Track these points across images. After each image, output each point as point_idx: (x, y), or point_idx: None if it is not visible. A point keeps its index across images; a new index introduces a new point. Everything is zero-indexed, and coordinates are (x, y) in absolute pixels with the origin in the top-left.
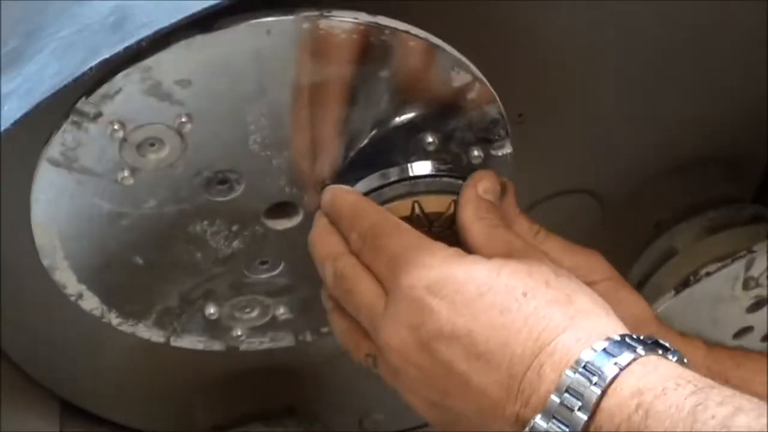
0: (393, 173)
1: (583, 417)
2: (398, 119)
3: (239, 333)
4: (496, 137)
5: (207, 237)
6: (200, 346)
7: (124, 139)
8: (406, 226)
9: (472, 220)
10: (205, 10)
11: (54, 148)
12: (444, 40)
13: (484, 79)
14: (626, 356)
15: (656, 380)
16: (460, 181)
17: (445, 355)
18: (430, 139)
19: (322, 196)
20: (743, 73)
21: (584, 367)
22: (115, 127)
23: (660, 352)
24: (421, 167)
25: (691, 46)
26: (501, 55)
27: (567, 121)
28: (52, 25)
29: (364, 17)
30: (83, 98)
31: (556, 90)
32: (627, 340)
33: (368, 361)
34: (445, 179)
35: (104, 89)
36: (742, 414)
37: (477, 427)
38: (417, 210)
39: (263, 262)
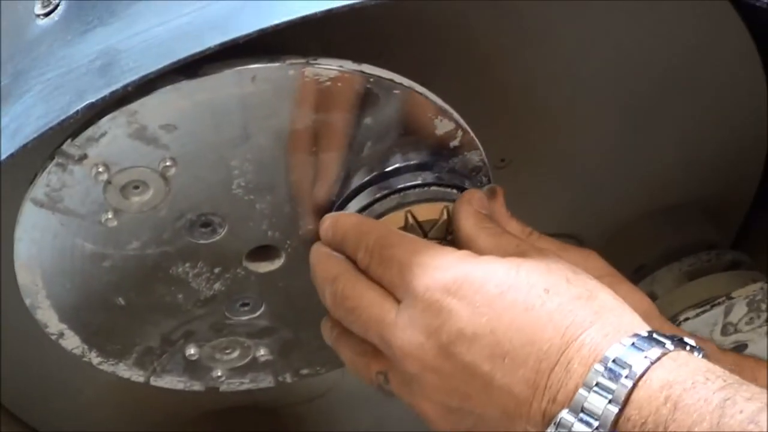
0: (380, 188)
1: (614, 410)
2: (382, 165)
3: (219, 374)
4: (479, 184)
5: (189, 279)
6: (180, 386)
7: (108, 182)
8: (412, 235)
9: (477, 230)
10: (191, 56)
11: (38, 189)
12: (428, 87)
13: (467, 127)
14: (656, 351)
15: (686, 374)
16: (448, 189)
17: (466, 357)
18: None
19: (321, 225)
20: (724, 120)
21: (614, 361)
22: (100, 169)
23: (687, 348)
24: (408, 178)
25: (673, 93)
26: (484, 101)
27: (549, 167)
28: (38, 66)
29: (349, 65)
30: (69, 140)
31: (538, 136)
32: (655, 336)
33: (379, 379)
34: (433, 188)
35: (90, 132)
36: None
37: (498, 430)
38: (410, 219)
39: (244, 304)
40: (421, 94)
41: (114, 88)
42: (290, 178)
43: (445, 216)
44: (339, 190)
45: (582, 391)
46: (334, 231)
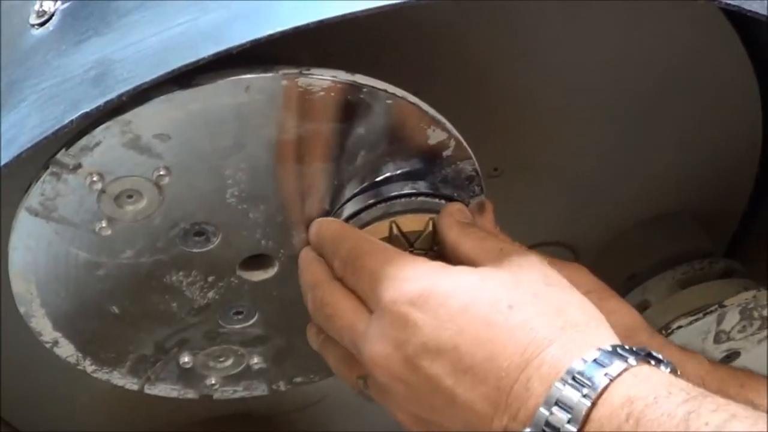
0: (369, 197)
1: (573, 430)
2: (375, 174)
3: (213, 382)
4: (471, 193)
5: (183, 287)
6: (174, 394)
7: (102, 191)
8: (386, 244)
9: (461, 237)
10: (185, 66)
11: (33, 198)
12: (422, 95)
13: (460, 137)
14: (617, 366)
15: (648, 389)
16: (436, 199)
17: (430, 371)
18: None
19: (309, 230)
20: (717, 128)
21: (573, 379)
22: (94, 178)
23: (652, 362)
24: (397, 188)
25: (665, 102)
26: (477, 110)
27: (542, 176)
28: (33, 76)
29: (342, 75)
30: (63, 150)
31: (531, 145)
32: (618, 350)
33: (359, 384)
34: (420, 198)
35: (84, 141)
36: (736, 421)
37: None
38: (395, 230)
39: (238, 313)
40: (413, 104)
41: (108, 97)
42: (283, 188)
43: (430, 227)
44: (333, 198)
45: (542, 410)
46: (317, 236)
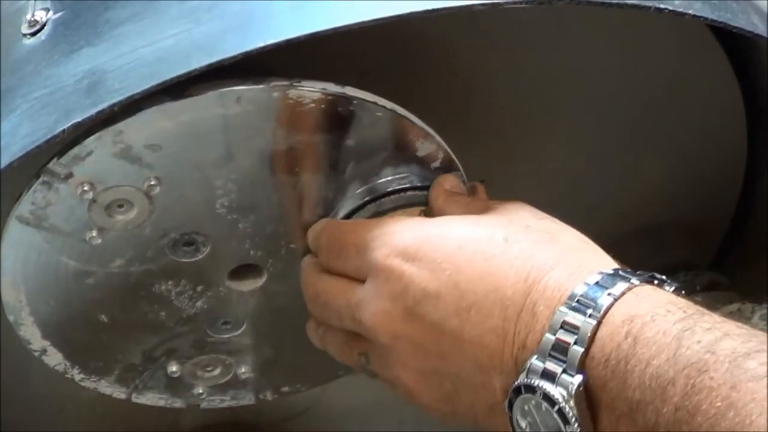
0: (359, 197)
1: (580, 350)
2: (365, 182)
3: (201, 391)
4: None
5: (171, 297)
6: (162, 403)
7: (93, 200)
8: (361, 219)
9: (447, 203)
10: (177, 77)
11: (24, 207)
12: (410, 108)
13: (448, 149)
14: (620, 286)
15: (647, 308)
16: (425, 192)
17: (433, 315)
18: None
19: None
20: (703, 142)
21: (578, 301)
22: (85, 188)
23: (656, 282)
24: (385, 185)
25: (652, 115)
26: (465, 122)
27: (528, 189)
28: (25, 86)
29: (332, 87)
30: (55, 159)
31: (518, 157)
32: (620, 272)
33: (361, 360)
34: (409, 193)
35: (76, 151)
36: (728, 339)
37: (477, 386)
38: None
39: (226, 322)
40: (403, 116)
41: (100, 107)
42: (273, 198)
43: None
44: (324, 206)
45: (548, 335)
46: (309, 239)
